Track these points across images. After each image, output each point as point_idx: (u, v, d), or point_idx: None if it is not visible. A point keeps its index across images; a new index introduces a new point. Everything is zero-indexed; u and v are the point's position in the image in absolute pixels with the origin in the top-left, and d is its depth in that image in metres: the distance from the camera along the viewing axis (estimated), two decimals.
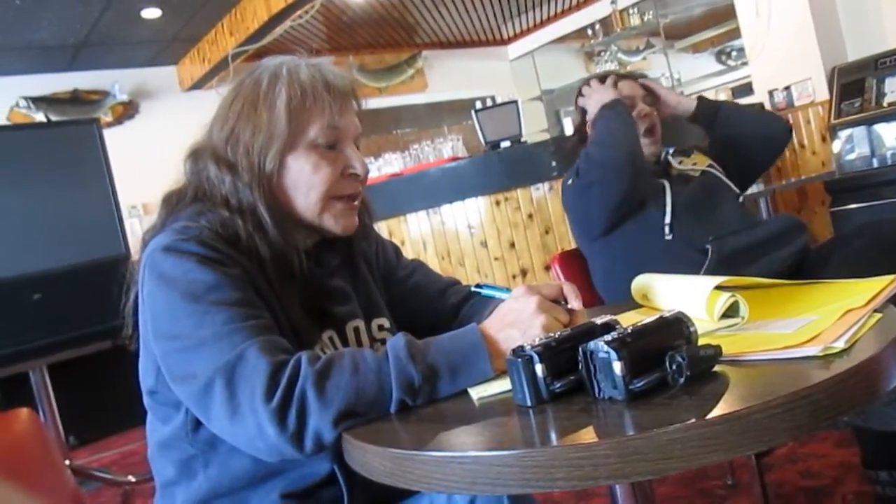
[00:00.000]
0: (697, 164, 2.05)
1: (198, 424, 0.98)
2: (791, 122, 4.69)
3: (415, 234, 3.70)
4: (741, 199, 2.04)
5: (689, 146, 2.14)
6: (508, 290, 1.03)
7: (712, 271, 1.75)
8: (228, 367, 0.86)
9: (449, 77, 7.68)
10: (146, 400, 1.06)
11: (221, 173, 1.04)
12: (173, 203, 1.08)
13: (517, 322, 0.91)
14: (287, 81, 1.04)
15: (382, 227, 3.72)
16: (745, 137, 2.10)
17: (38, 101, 5.62)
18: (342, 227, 1.09)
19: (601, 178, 1.85)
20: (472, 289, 1.14)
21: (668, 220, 1.86)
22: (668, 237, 1.85)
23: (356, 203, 1.12)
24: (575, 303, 0.96)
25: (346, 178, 1.09)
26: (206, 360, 0.88)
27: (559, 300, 0.96)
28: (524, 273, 3.49)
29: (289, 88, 1.04)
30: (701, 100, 2.15)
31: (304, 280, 1.05)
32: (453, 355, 0.88)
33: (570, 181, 1.97)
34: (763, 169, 2.24)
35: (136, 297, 1.03)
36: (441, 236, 3.66)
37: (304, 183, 1.05)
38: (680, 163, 2.05)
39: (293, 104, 1.03)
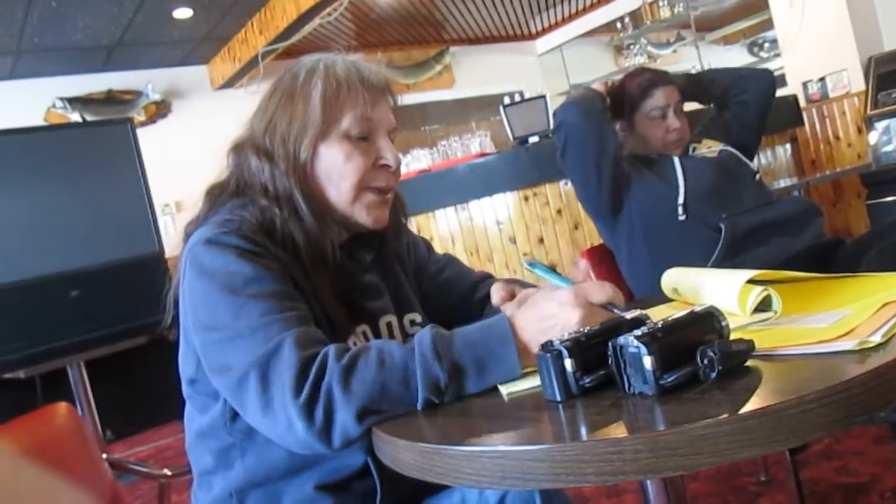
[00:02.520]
0: (712, 146, 2.07)
1: (236, 414, 0.99)
2: (826, 114, 4.61)
3: (443, 230, 3.71)
4: (758, 177, 2.04)
5: (695, 134, 2.16)
6: (560, 275, 1.01)
7: (726, 250, 1.77)
8: (263, 361, 0.87)
9: (477, 73, 7.67)
10: (185, 389, 1.07)
11: (261, 163, 1.07)
12: (216, 194, 1.11)
13: (552, 330, 0.87)
14: (323, 75, 1.08)
15: (411, 223, 3.72)
16: (735, 85, 2.19)
17: (74, 102, 5.72)
18: (373, 219, 1.10)
19: (567, 134, 1.98)
20: (526, 265, 1.12)
21: (681, 200, 1.88)
22: (682, 217, 1.87)
23: (388, 197, 1.13)
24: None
25: (379, 169, 1.10)
26: (242, 353, 0.89)
27: (608, 306, 0.90)
28: (553, 268, 3.47)
29: (325, 81, 1.07)
30: (685, 76, 2.27)
31: (338, 273, 1.06)
32: (481, 350, 0.87)
33: (557, 154, 2.06)
34: (761, 112, 2.23)
35: (178, 288, 1.04)
36: (469, 232, 3.66)
37: (337, 172, 1.07)
38: (694, 150, 2.07)
39: (328, 95, 1.06)
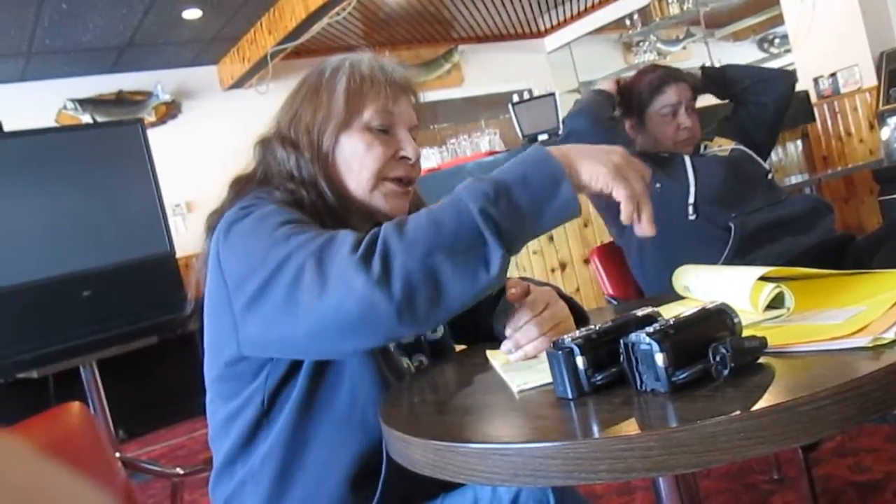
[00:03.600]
0: (724, 145, 2.06)
1: (275, 393, 1.00)
2: (837, 110, 4.58)
3: None
4: (770, 175, 2.02)
5: (708, 132, 2.14)
6: None
7: (736, 249, 1.77)
8: (318, 250, 0.86)
9: (485, 71, 7.66)
10: (217, 373, 1.05)
11: (286, 152, 1.10)
12: (242, 183, 1.12)
13: (587, 151, 0.86)
14: (348, 70, 1.12)
15: None
16: (757, 85, 2.16)
17: (85, 103, 5.75)
18: (391, 207, 1.12)
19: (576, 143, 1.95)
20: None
21: (691, 199, 1.87)
22: (692, 217, 1.86)
23: (409, 189, 1.15)
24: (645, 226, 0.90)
25: (398, 161, 1.12)
26: (295, 258, 0.87)
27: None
28: (563, 266, 3.47)
29: (349, 75, 1.11)
30: (705, 68, 2.24)
31: None
32: (516, 164, 0.86)
33: None
34: (779, 112, 2.21)
35: (201, 274, 1.05)
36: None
37: (357, 162, 1.10)
38: (705, 148, 2.05)
39: (351, 88, 1.10)
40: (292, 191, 1.06)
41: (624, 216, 0.87)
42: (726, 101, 2.29)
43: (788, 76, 2.27)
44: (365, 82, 1.10)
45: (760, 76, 2.22)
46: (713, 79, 2.20)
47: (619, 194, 0.85)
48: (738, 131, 2.14)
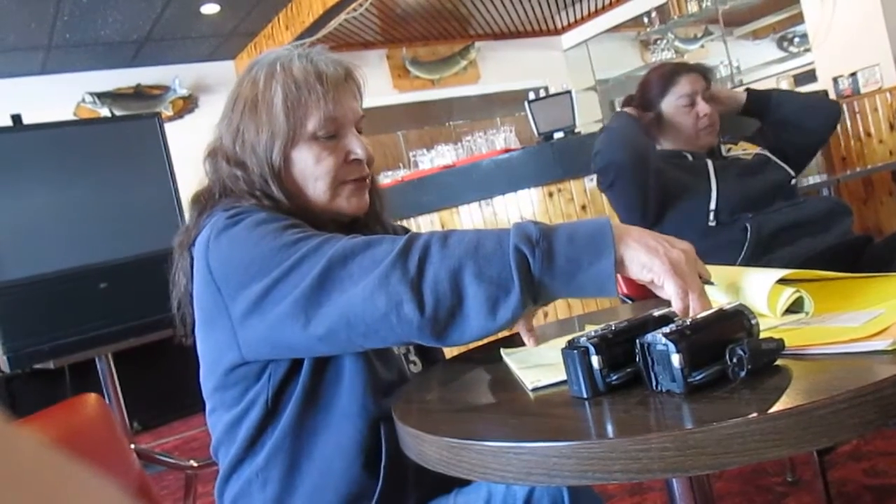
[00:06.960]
0: (748, 149, 2.03)
1: (279, 391, 1.01)
2: (857, 110, 4.53)
3: (467, 226, 3.70)
4: (793, 181, 1.99)
5: (735, 137, 2.11)
6: None
7: (752, 251, 1.75)
8: (341, 252, 0.87)
9: (502, 68, 7.65)
10: (216, 383, 1.05)
11: (233, 170, 1.09)
12: (203, 202, 1.12)
13: (650, 239, 0.83)
14: (282, 79, 1.08)
15: (435, 219, 3.73)
16: (799, 114, 2.08)
17: (103, 97, 5.80)
18: (354, 207, 1.13)
19: (613, 181, 1.92)
20: None
21: (713, 206, 1.85)
22: (712, 223, 1.84)
23: (366, 182, 1.15)
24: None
25: (350, 163, 1.12)
26: (315, 257, 0.88)
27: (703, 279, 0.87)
28: None
29: (284, 85, 1.08)
30: (751, 91, 2.15)
31: None
32: (577, 222, 0.85)
33: (600, 184, 2.02)
34: (821, 142, 2.18)
35: (185, 293, 1.08)
36: (494, 228, 3.65)
37: (311, 174, 1.10)
38: (728, 150, 2.03)
39: (289, 101, 1.07)
40: (258, 200, 1.06)
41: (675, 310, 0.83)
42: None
43: (835, 106, 2.20)
44: (301, 91, 1.07)
45: (808, 102, 2.14)
46: (757, 101, 2.11)
47: (670, 291, 0.81)
48: (778, 155, 2.07)
